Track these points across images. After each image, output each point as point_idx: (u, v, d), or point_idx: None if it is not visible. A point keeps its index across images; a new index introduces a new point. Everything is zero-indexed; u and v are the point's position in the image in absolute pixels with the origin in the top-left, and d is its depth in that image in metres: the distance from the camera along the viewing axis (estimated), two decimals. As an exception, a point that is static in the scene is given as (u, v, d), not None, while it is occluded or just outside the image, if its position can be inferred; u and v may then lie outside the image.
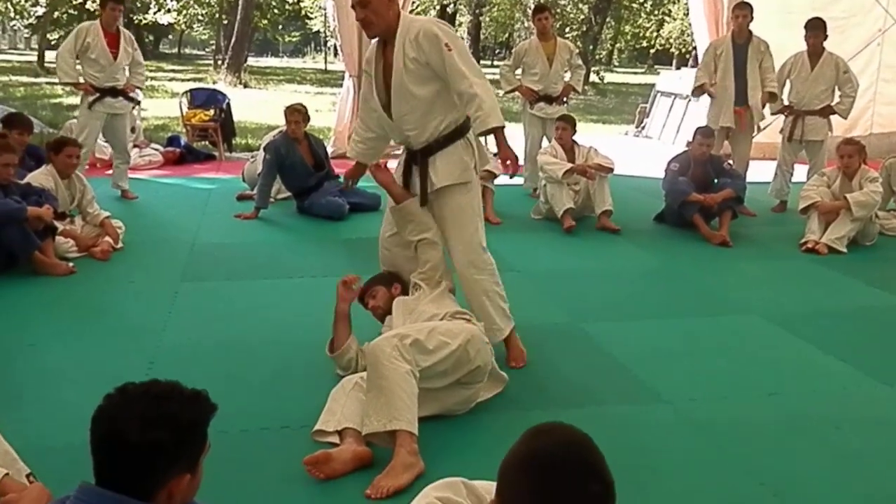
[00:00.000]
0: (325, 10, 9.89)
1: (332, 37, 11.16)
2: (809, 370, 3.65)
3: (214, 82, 20.91)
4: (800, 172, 7.15)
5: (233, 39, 22.70)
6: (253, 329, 3.96)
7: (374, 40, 3.39)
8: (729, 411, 3.20)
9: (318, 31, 36.54)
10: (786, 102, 7.04)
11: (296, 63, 40.78)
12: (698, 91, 7.19)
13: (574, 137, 6.47)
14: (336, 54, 9.04)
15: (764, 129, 8.12)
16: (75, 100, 7.41)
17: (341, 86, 9.61)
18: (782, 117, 7.18)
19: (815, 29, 6.82)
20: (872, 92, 10.35)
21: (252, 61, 31.18)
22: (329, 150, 8.85)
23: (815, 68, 6.83)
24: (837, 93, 6.92)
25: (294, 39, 47.17)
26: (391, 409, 2.64)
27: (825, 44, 6.87)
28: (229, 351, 3.66)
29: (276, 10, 30.23)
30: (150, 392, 1.46)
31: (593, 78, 26.34)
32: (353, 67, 9.16)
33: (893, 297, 4.77)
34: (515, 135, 8.67)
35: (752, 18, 6.88)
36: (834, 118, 6.99)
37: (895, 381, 3.52)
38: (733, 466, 2.78)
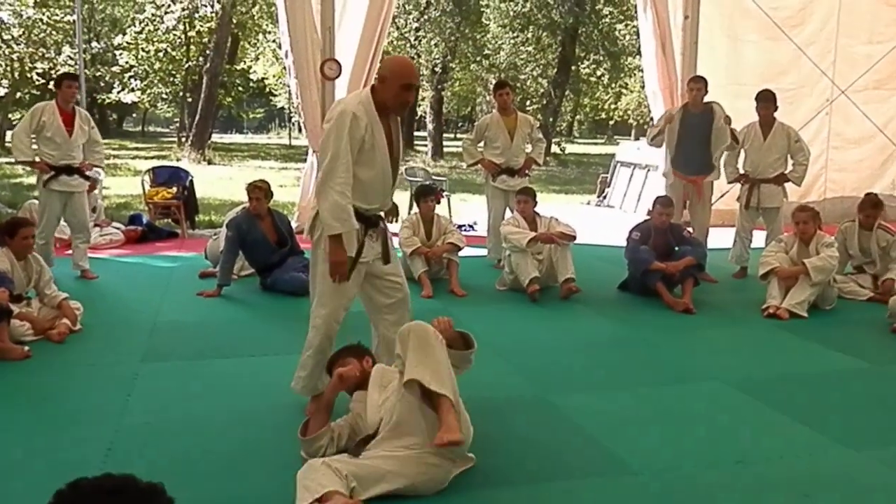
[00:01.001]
0: (288, 87, 10.06)
1: (295, 113, 11.30)
2: (775, 436, 3.65)
3: (178, 159, 20.93)
4: (758, 238, 7.30)
5: (197, 117, 22.85)
6: (216, 410, 3.87)
7: (356, 108, 3.46)
8: (698, 480, 3.18)
9: (283, 108, 36.95)
10: (741, 171, 7.22)
11: (260, 139, 41.08)
12: (658, 140, 7.28)
13: (536, 209, 6.57)
14: (300, 130, 9.16)
15: (722, 196, 8.32)
16: (35, 179, 7.37)
17: (305, 161, 9.66)
18: (738, 185, 7.36)
19: (766, 100, 7.06)
20: (824, 159, 10.69)
21: (216, 138, 31.34)
22: (293, 224, 8.86)
23: (768, 138, 7.05)
24: (790, 161, 7.13)
25: (258, 116, 47.60)
26: (439, 376, 2.94)
27: (776, 114, 7.10)
28: (192, 433, 3.57)
29: (240, 88, 30.56)
30: (103, 487, 1.41)
31: (555, 149, 26.90)
32: (315, 143, 9.24)
33: (854, 360, 4.83)
34: (480, 207, 8.80)
35: (706, 91, 7.11)
36: (789, 185, 7.19)
37: (860, 445, 3.54)
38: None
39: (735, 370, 4.59)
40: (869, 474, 3.29)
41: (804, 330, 5.46)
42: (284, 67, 9.34)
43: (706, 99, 7.11)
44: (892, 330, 5.45)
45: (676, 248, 6.25)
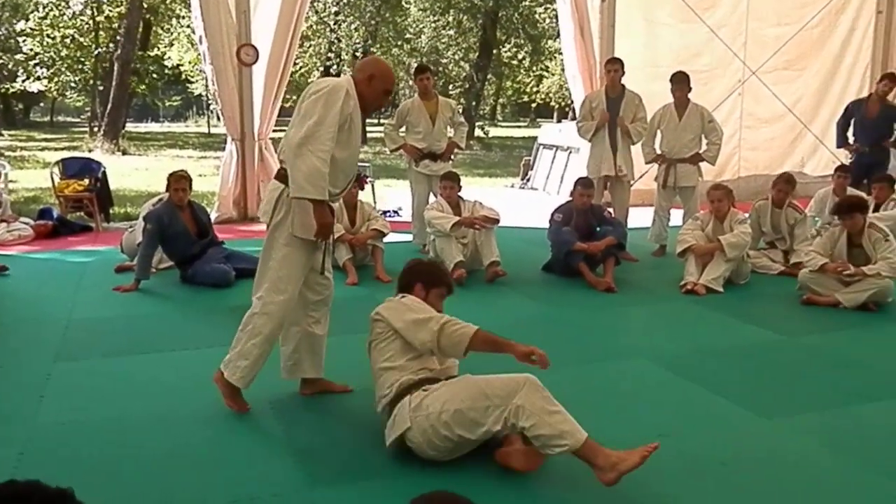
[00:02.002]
0: (204, 74, 9.76)
1: (212, 101, 11.04)
2: (697, 410, 3.75)
3: (90, 150, 20.18)
4: (676, 217, 7.48)
5: (109, 106, 22.05)
6: (136, 408, 3.75)
7: (350, 87, 3.48)
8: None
9: (200, 95, 36.02)
10: (658, 151, 7.38)
11: (178, 128, 39.98)
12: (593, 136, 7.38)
13: (460, 193, 6.58)
14: (219, 118, 8.91)
15: (640, 177, 8.51)
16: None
17: (224, 149, 9.44)
18: (656, 165, 7.53)
19: (681, 82, 7.22)
20: (737, 139, 11.04)
21: (130, 127, 30.36)
22: (213, 215, 8.66)
23: (683, 118, 7.22)
24: (705, 141, 7.32)
25: (175, 104, 46.28)
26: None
27: (690, 95, 7.28)
28: (109, 433, 3.45)
29: (154, 75, 29.59)
30: (5, 495, 1.34)
31: (478, 133, 27.00)
32: (234, 131, 9.04)
33: (768, 332, 5.01)
34: (404, 192, 8.76)
35: (623, 73, 7.23)
36: (704, 164, 7.38)
37: (773, 413, 3.68)
38: (630, 513, 2.80)
39: (656, 346, 4.70)
40: (781, 442, 3.42)
41: (720, 304, 5.63)
42: (200, 53, 9.06)
43: (623, 81, 7.24)
44: (802, 302, 5.68)
45: (598, 229, 6.36)
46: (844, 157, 8.89)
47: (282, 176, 3.54)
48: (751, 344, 4.80)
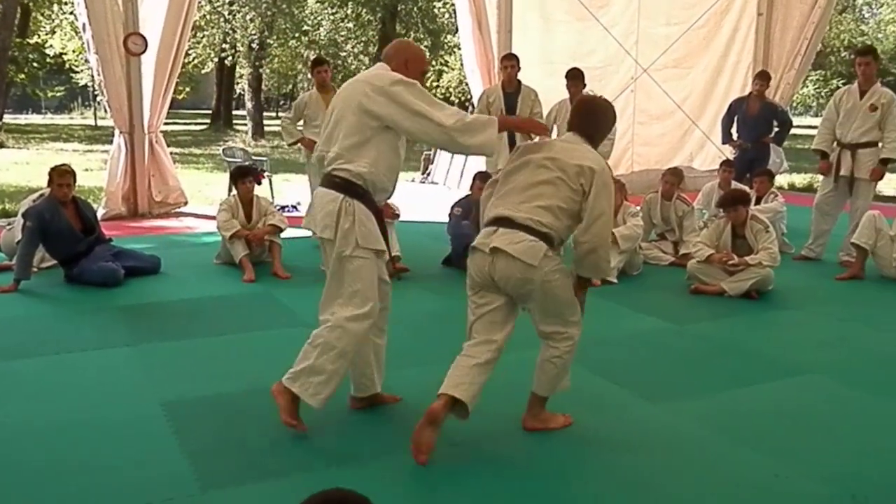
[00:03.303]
0: (90, 63, 9.25)
1: (99, 92, 10.52)
2: (589, 396, 3.84)
3: (-35, 143, 19.01)
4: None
5: (-15, 96, 20.80)
6: (18, 414, 3.55)
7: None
8: (520, 445, 3.29)
9: (86, 86, 34.44)
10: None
11: (62, 119, 38.08)
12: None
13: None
14: (106, 110, 8.46)
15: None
16: None
17: (112, 142, 9.05)
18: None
19: (575, 78, 7.37)
20: (630, 134, 11.38)
21: (9, 118, 28.71)
22: (100, 212, 8.32)
23: (577, 114, 7.37)
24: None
25: (58, 94, 44.03)
26: None
27: (585, 91, 7.44)
28: (-16, 444, 3.25)
29: (35, 64, 28.06)
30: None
31: (378, 127, 26.83)
32: (123, 123, 8.68)
33: (658, 321, 5.19)
34: (303, 187, 8.63)
35: (519, 68, 7.33)
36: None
37: (662, 399, 3.82)
38: (531, 499, 2.84)
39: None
40: (669, 425, 3.55)
41: (614, 295, 5.79)
42: (84, 42, 8.65)
43: (519, 77, 7.34)
44: (691, 291, 5.92)
45: (496, 222, 6.41)
46: (729, 152, 9.29)
47: (339, 185, 3.23)
48: (642, 332, 4.97)
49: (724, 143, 9.20)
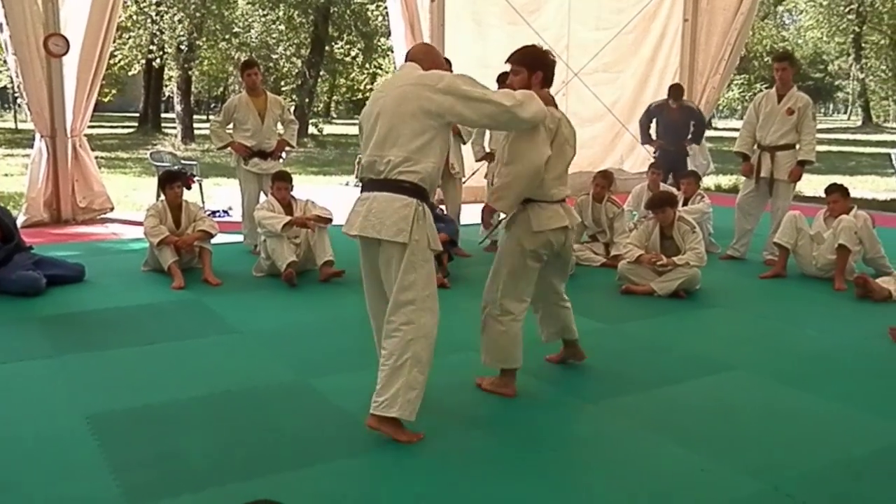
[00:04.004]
0: (8, 65, 8.87)
1: (18, 94, 10.13)
2: (527, 397, 3.88)
3: None
4: (505, 213, 7.69)
5: None
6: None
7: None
8: (453, 448, 3.30)
9: (5, 88, 33.19)
10: (487, 150, 7.57)
11: (-19, 122, 36.66)
12: None
13: (293, 192, 6.45)
14: (27, 113, 8.18)
15: (471, 175, 8.71)
16: None
17: (33, 146, 8.74)
18: (486, 163, 7.72)
19: (506, 82, 7.41)
20: (562, 137, 11.50)
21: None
22: (21, 218, 8.05)
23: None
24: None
25: (-24, 96, 42.38)
26: None
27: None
28: None
29: (-50, 65, 27.03)
30: None
31: (312, 130, 26.63)
32: (44, 127, 8.41)
33: (591, 321, 5.26)
34: (235, 191, 8.48)
35: (452, 72, 7.33)
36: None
37: (597, 398, 3.89)
38: (461, 499, 2.85)
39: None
40: (604, 423, 3.62)
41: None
42: (1, 42, 8.35)
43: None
44: (621, 292, 6.03)
45: (430, 226, 6.42)
46: (649, 153, 9.54)
47: (408, 189, 3.27)
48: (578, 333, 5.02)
49: (643, 143, 9.48)
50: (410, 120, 3.26)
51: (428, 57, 3.53)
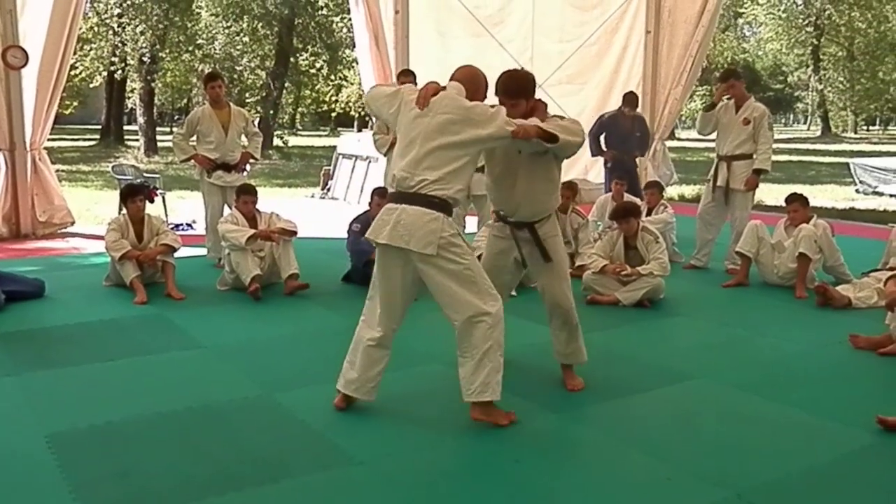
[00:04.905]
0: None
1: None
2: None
3: None
4: (471, 224, 7.73)
5: None
6: None
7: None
8: (419, 461, 3.30)
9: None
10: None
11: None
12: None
13: (257, 205, 6.41)
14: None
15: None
16: None
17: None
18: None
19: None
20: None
21: None
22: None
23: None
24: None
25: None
26: None
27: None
28: None
29: None
30: None
31: (277, 142, 26.49)
32: (2, 140, 8.27)
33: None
34: (198, 204, 8.41)
35: (416, 84, 7.35)
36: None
37: (560, 408, 3.90)
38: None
39: (447, 351, 4.79)
40: (568, 433, 3.65)
41: (511, 307, 5.72)
42: (-42, 54, 8.19)
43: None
44: (587, 302, 6.06)
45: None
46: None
47: (436, 204, 3.47)
48: (540, 343, 5.01)
49: (594, 155, 9.53)
50: (450, 148, 3.48)
51: (473, 82, 3.71)
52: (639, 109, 9.59)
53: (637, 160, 9.24)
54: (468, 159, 3.54)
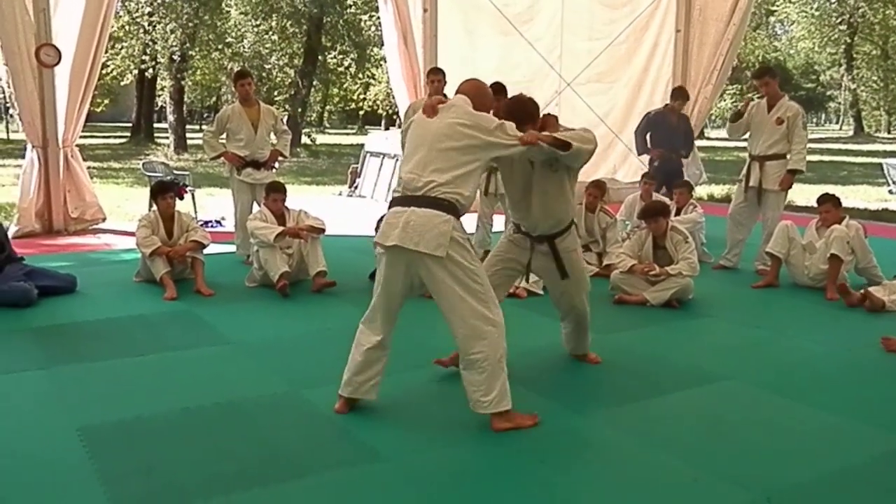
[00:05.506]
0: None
1: (10, 104, 10.12)
2: (519, 408, 3.84)
3: None
4: (498, 223, 7.71)
5: None
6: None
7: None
8: (444, 459, 3.30)
9: (-1, 97, 33.14)
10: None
11: (-27, 132, 36.55)
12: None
13: (286, 202, 6.45)
14: (19, 123, 8.19)
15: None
16: None
17: (25, 156, 8.73)
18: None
19: (498, 92, 7.34)
20: (555, 147, 11.54)
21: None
22: (12, 229, 8.03)
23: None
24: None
25: (-31, 106, 42.26)
26: None
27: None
28: None
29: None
30: None
31: (305, 140, 26.65)
32: (35, 137, 8.39)
33: (584, 331, 5.26)
34: (227, 201, 8.48)
35: (445, 82, 7.35)
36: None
37: (586, 409, 3.88)
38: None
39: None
40: (593, 434, 3.61)
41: (539, 306, 5.85)
42: (-6, 53, 8.33)
43: (446, 91, 7.37)
44: (614, 301, 6.03)
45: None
46: (642, 163, 9.52)
47: (446, 207, 3.46)
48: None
49: (640, 154, 9.39)
50: (458, 152, 3.50)
51: (479, 94, 3.76)
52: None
53: (692, 160, 9.02)
54: (477, 164, 3.55)
